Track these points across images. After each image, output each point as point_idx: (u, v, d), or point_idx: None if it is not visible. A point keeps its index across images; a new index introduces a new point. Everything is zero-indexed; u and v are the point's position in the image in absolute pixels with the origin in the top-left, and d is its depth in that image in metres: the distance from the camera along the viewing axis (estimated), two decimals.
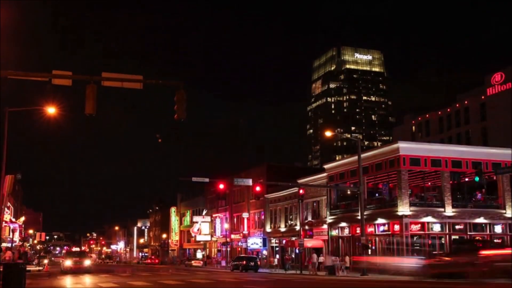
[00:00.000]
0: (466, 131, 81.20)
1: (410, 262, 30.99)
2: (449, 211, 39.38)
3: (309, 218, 51.76)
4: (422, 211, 39.06)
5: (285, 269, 47.09)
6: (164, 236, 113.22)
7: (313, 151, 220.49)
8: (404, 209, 38.39)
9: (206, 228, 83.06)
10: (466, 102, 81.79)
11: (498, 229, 40.98)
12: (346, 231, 46.30)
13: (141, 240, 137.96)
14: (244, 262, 49.98)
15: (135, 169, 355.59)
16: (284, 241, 57.30)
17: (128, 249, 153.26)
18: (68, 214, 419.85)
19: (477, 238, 38.82)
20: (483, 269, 21.71)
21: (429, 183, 45.34)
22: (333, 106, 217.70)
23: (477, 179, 34.65)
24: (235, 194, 74.08)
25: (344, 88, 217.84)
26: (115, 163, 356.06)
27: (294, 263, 51.83)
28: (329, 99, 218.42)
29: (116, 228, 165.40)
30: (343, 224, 46.56)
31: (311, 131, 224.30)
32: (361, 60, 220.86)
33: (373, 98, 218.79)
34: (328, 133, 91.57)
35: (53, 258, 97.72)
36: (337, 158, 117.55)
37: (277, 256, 60.15)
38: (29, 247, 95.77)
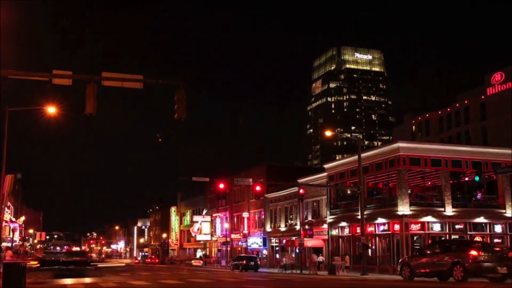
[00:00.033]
0: (466, 130, 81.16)
1: None
2: (449, 210, 39.39)
3: (309, 218, 51.74)
4: (422, 211, 39.06)
5: (285, 269, 47.07)
6: (164, 235, 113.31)
7: (313, 150, 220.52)
8: (404, 208, 38.39)
9: (206, 227, 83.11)
10: (466, 101, 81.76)
11: (498, 228, 40.99)
12: (346, 231, 46.30)
13: (141, 240, 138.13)
14: (244, 261, 50.02)
15: (135, 169, 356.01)
16: (284, 241, 57.30)
17: (128, 249, 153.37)
18: (68, 213, 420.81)
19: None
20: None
21: (429, 183, 45.37)
22: (333, 106, 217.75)
23: (477, 178, 34.70)
24: (235, 194, 74.12)
25: (344, 88, 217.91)
26: (115, 163, 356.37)
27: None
28: (329, 99, 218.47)
29: (116, 227, 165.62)
30: (343, 223, 46.57)
31: (311, 130, 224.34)
32: (361, 59, 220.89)
33: (373, 98, 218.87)
34: (328, 133, 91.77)
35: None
36: (337, 158, 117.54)
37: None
38: (29, 246, 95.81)
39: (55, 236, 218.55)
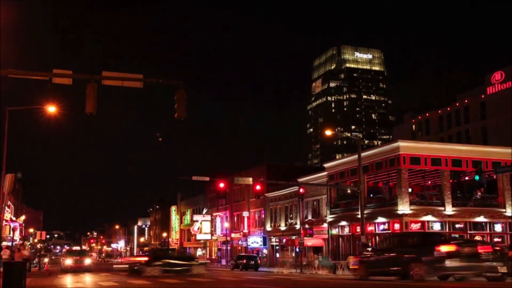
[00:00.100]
0: (466, 130, 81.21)
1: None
2: (449, 210, 39.42)
3: (309, 217, 51.77)
4: (422, 210, 39.11)
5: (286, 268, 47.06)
6: (165, 235, 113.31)
7: (313, 150, 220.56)
8: (404, 208, 38.42)
9: (206, 227, 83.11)
10: (466, 101, 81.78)
11: (498, 227, 41.07)
12: (346, 230, 46.33)
13: (142, 239, 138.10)
14: (245, 260, 50.11)
15: (135, 169, 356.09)
16: (284, 240, 57.31)
17: (128, 248, 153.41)
18: (68, 213, 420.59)
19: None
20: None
21: (429, 182, 45.39)
22: (333, 105, 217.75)
23: (477, 178, 34.64)
24: (235, 193, 74.12)
25: (344, 87, 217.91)
26: (115, 162, 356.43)
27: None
28: (329, 98, 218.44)
29: (117, 227, 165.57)
30: (343, 223, 46.60)
31: (311, 130, 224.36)
32: (361, 59, 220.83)
33: (373, 97, 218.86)
34: (328, 132, 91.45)
35: (53, 257, 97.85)
36: (337, 157, 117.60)
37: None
38: (29, 246, 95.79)
39: (55, 235, 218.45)
